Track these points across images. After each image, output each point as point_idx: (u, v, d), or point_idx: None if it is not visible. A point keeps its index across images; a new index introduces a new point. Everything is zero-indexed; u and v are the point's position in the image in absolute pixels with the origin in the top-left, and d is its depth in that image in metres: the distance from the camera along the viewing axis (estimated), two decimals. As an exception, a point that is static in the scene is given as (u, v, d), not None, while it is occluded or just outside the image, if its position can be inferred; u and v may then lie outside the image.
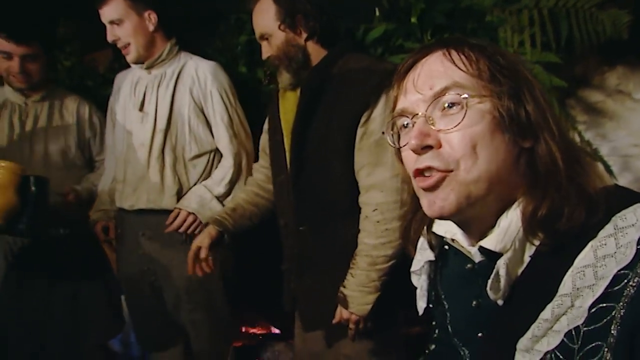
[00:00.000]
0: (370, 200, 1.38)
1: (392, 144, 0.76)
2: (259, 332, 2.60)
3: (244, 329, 2.60)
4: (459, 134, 0.67)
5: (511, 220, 0.68)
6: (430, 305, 0.88)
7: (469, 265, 0.76)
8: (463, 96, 0.67)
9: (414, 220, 0.83)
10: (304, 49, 1.46)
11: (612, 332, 0.57)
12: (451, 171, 0.67)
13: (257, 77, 2.15)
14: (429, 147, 0.68)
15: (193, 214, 1.80)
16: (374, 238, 1.37)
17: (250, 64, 2.18)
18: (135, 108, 1.88)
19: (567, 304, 0.62)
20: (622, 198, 0.64)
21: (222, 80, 1.85)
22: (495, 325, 0.71)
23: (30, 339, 1.99)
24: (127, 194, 1.89)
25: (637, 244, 0.59)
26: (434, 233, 0.81)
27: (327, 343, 1.50)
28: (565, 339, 0.62)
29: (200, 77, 1.84)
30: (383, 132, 0.78)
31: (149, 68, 1.88)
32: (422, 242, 0.84)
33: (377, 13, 1.88)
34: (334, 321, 1.42)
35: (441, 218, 0.72)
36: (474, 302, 0.75)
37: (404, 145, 0.73)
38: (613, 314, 0.58)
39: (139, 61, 1.87)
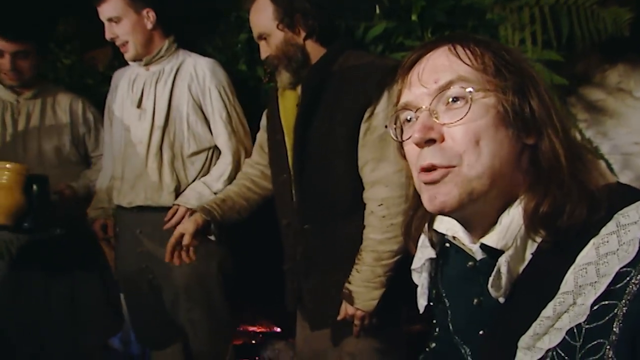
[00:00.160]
0: (376, 196, 1.38)
1: (394, 138, 0.76)
2: (259, 330, 2.60)
3: (244, 328, 2.60)
4: (463, 127, 0.67)
5: (513, 218, 0.68)
6: (431, 304, 0.88)
7: (470, 263, 0.75)
8: (468, 90, 0.67)
9: (415, 217, 0.83)
10: (303, 48, 1.46)
11: (614, 329, 0.57)
12: (454, 166, 0.67)
13: (257, 75, 2.15)
14: (432, 141, 0.68)
15: (191, 210, 1.80)
16: (380, 233, 1.37)
17: (250, 62, 2.18)
18: (133, 105, 1.88)
19: (569, 302, 0.61)
20: (625, 195, 0.64)
21: (220, 78, 1.85)
22: (496, 323, 0.71)
23: (29, 338, 1.98)
24: (125, 191, 1.89)
25: (640, 242, 0.59)
26: (435, 230, 0.80)
27: (330, 341, 1.50)
28: (567, 337, 0.62)
29: (198, 74, 1.84)
30: (386, 126, 0.77)
31: (147, 64, 1.87)
32: (423, 240, 0.84)
33: (378, 11, 1.87)
34: (338, 317, 1.42)
35: (442, 213, 0.72)
36: (475, 300, 0.75)
37: (407, 139, 0.72)
38: (615, 311, 0.58)
39: (137, 59, 1.87)
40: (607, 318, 0.58)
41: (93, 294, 2.09)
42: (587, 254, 0.61)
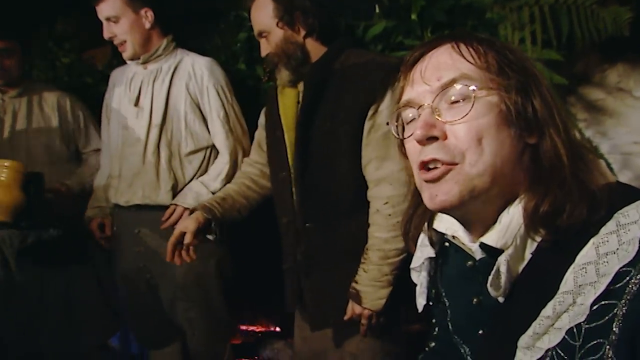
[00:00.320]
0: (381, 194, 1.38)
1: (396, 135, 0.76)
2: (258, 330, 2.60)
3: (243, 327, 2.60)
4: (466, 125, 0.66)
5: (512, 217, 0.68)
6: (430, 303, 0.88)
7: (469, 263, 0.75)
8: (471, 88, 0.67)
9: (414, 216, 0.82)
10: (303, 46, 1.46)
11: (614, 329, 0.57)
12: (456, 164, 0.67)
13: (257, 75, 2.15)
14: (434, 139, 0.68)
15: (189, 210, 1.80)
16: (386, 232, 1.37)
17: (249, 61, 2.17)
18: (130, 103, 1.88)
19: (569, 301, 0.61)
20: (625, 195, 0.64)
21: (218, 76, 1.85)
22: (496, 322, 0.71)
23: (25, 339, 1.98)
24: (122, 190, 1.89)
25: (640, 241, 0.59)
26: (434, 229, 0.80)
27: (330, 341, 1.49)
28: (566, 337, 0.62)
29: (196, 73, 1.84)
30: (387, 123, 0.77)
31: (144, 63, 1.87)
32: (423, 239, 0.84)
33: (377, 10, 1.87)
34: (345, 317, 1.42)
35: (443, 211, 0.72)
36: (475, 300, 0.75)
37: (408, 136, 0.72)
38: (615, 311, 0.58)
39: (135, 58, 1.87)
40: (606, 318, 0.58)
41: (89, 293, 2.09)
42: (586, 253, 0.61)
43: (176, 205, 1.81)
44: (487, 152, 0.66)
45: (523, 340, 0.65)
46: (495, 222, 0.70)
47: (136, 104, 1.87)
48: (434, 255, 0.83)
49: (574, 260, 0.62)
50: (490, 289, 0.69)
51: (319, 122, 1.42)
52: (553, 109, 0.69)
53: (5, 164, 1.78)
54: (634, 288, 0.57)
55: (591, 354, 0.59)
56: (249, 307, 2.52)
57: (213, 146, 1.88)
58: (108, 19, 1.81)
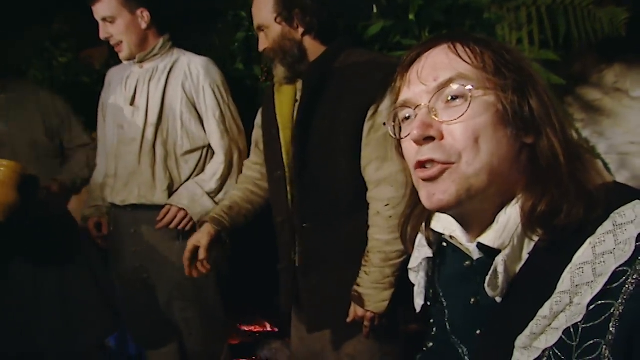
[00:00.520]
0: (381, 196, 1.37)
1: (393, 136, 0.76)
2: (256, 329, 2.60)
3: (240, 327, 2.59)
4: (462, 125, 0.66)
5: (510, 217, 0.68)
6: (428, 303, 0.88)
7: (467, 263, 0.75)
8: (467, 88, 0.67)
9: (412, 216, 0.82)
10: (300, 44, 1.45)
11: (611, 329, 0.57)
12: (452, 164, 0.67)
13: (254, 74, 2.15)
14: (430, 139, 0.68)
15: (184, 210, 1.80)
16: (387, 234, 1.36)
17: (247, 61, 2.17)
18: (126, 102, 1.87)
19: (566, 301, 0.61)
20: (621, 195, 0.64)
21: (214, 76, 1.84)
22: (493, 322, 0.71)
23: (22, 339, 1.97)
24: (118, 189, 1.88)
25: (636, 241, 0.59)
26: (432, 230, 0.80)
27: (328, 342, 1.49)
28: (563, 336, 0.62)
29: (192, 72, 1.83)
30: (384, 124, 0.77)
31: (140, 62, 1.87)
32: (420, 239, 0.84)
33: (375, 10, 1.87)
34: (348, 320, 1.41)
35: (440, 211, 0.72)
36: (472, 300, 0.75)
37: (405, 136, 0.72)
38: (612, 311, 0.58)
39: (131, 58, 1.86)
40: (603, 318, 0.58)
41: (86, 292, 2.08)
42: (583, 253, 0.61)
43: (171, 205, 1.81)
44: (483, 151, 0.66)
45: (520, 340, 0.66)
46: (492, 222, 0.70)
47: (132, 103, 1.86)
48: (431, 256, 0.83)
49: (571, 260, 0.62)
50: (487, 289, 0.69)
51: (317, 121, 1.42)
52: (550, 109, 0.69)
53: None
54: (630, 288, 0.57)
55: (588, 353, 0.59)
56: (246, 307, 2.52)
57: (209, 146, 1.87)
58: (104, 20, 1.80)
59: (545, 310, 0.63)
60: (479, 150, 0.66)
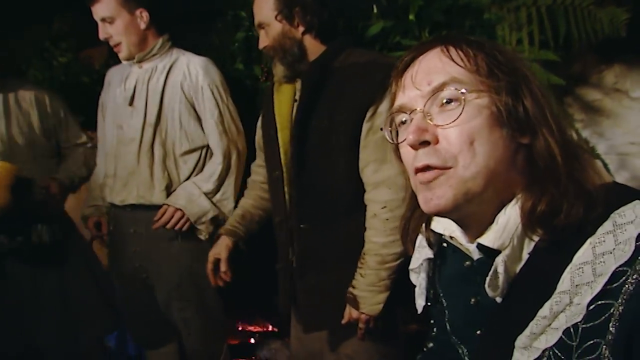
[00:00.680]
0: (379, 198, 1.37)
1: (390, 140, 0.76)
2: (255, 330, 2.60)
3: (240, 327, 2.59)
4: (457, 129, 0.67)
5: (509, 217, 0.68)
6: (429, 304, 0.88)
7: (467, 263, 0.75)
8: (461, 91, 0.67)
9: (412, 218, 0.83)
10: (300, 43, 1.45)
11: (611, 329, 0.57)
12: (449, 168, 0.67)
13: (254, 74, 2.15)
14: (426, 143, 0.68)
15: (180, 210, 1.80)
16: (383, 236, 1.36)
17: (247, 61, 2.17)
18: (125, 102, 1.87)
19: (566, 301, 0.62)
20: (621, 195, 0.64)
21: (213, 76, 1.84)
22: (493, 322, 0.71)
23: (23, 339, 1.97)
24: (117, 189, 1.88)
25: (636, 241, 0.59)
26: (432, 230, 0.80)
27: (327, 343, 1.49)
28: (563, 337, 0.62)
29: (191, 72, 1.83)
30: (381, 129, 0.77)
31: (139, 62, 1.86)
32: (421, 240, 0.84)
33: (375, 10, 1.87)
34: (343, 321, 1.41)
35: (438, 215, 0.72)
36: (473, 300, 0.75)
37: (402, 141, 0.73)
38: (611, 311, 0.58)
39: (130, 58, 1.86)
40: (603, 318, 0.58)
41: (85, 292, 2.08)
42: (583, 253, 0.62)
43: (168, 205, 1.81)
44: (479, 154, 0.66)
45: (520, 341, 0.66)
46: (492, 222, 0.70)
47: (131, 103, 1.86)
48: (432, 256, 0.83)
49: (571, 260, 0.62)
50: (487, 289, 0.69)
51: (316, 121, 1.41)
52: (545, 109, 0.69)
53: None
54: (630, 288, 0.57)
55: (588, 353, 0.59)
56: (246, 307, 2.52)
57: (209, 146, 1.87)
58: (103, 20, 1.80)
59: (545, 310, 0.63)
60: (475, 153, 0.66)
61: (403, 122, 0.73)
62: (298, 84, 1.47)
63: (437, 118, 0.69)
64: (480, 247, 0.71)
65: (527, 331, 0.65)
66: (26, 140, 2.01)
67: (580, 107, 2.02)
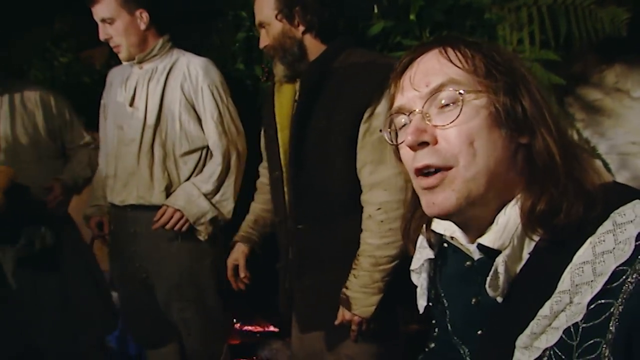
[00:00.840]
0: (374, 199, 1.36)
1: (389, 142, 0.77)
2: (256, 330, 2.60)
3: (241, 327, 2.59)
4: (456, 129, 0.67)
5: (509, 217, 0.68)
6: (430, 304, 0.88)
7: (468, 263, 0.76)
8: (459, 92, 0.67)
9: (413, 219, 0.83)
10: (301, 42, 1.45)
11: (611, 328, 0.58)
12: (450, 168, 0.67)
13: (255, 74, 2.15)
14: (425, 144, 0.69)
15: (180, 210, 1.80)
16: (378, 238, 1.35)
17: (248, 61, 2.17)
18: (126, 103, 1.87)
19: (566, 301, 0.62)
20: (621, 194, 0.64)
21: (213, 77, 1.84)
22: (494, 322, 0.71)
23: (23, 339, 1.97)
24: (118, 190, 1.89)
25: (636, 240, 0.59)
26: (433, 231, 0.80)
27: (327, 343, 1.48)
28: (564, 336, 0.62)
29: (191, 73, 1.83)
30: (381, 130, 0.78)
31: (140, 63, 1.87)
32: (422, 241, 0.84)
33: (376, 10, 1.87)
34: (336, 322, 1.41)
35: (440, 218, 0.73)
36: (474, 300, 0.75)
37: (401, 143, 0.73)
38: (612, 310, 0.58)
39: (130, 59, 1.86)
40: (603, 317, 0.58)
41: (86, 292, 2.08)
42: (583, 253, 0.62)
43: (167, 206, 1.81)
44: (479, 153, 0.66)
45: (521, 340, 0.66)
46: (492, 223, 0.70)
47: (131, 104, 1.86)
48: (433, 257, 0.83)
49: (571, 260, 0.62)
50: (488, 289, 0.69)
51: (314, 121, 1.41)
52: (543, 109, 0.69)
53: None
54: (630, 287, 0.58)
55: (588, 353, 0.59)
56: (247, 307, 2.52)
57: (209, 147, 1.87)
58: (103, 21, 1.80)
59: (545, 310, 0.63)
60: (475, 153, 0.66)
61: (402, 124, 0.74)
62: (298, 85, 1.47)
63: (435, 119, 0.69)
64: (480, 247, 0.71)
65: (527, 331, 0.65)
66: (31, 141, 2.02)
67: (581, 106, 2.01)
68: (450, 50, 0.71)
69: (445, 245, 0.81)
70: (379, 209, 1.35)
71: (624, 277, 0.58)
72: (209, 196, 1.83)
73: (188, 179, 1.85)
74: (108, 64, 2.41)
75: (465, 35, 1.11)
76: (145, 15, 1.82)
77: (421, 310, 0.88)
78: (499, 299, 0.70)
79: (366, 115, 1.35)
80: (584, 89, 2.02)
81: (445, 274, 0.83)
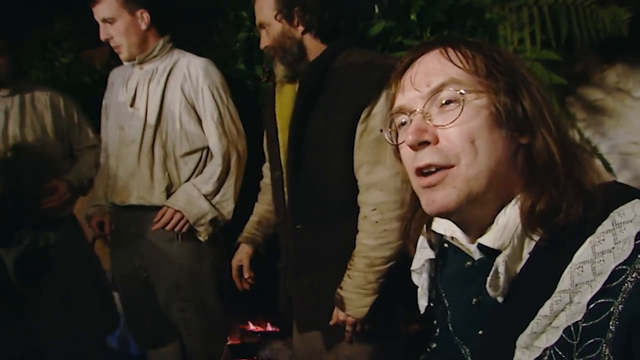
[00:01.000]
0: (370, 200, 1.36)
1: (390, 142, 0.77)
2: (257, 330, 2.60)
3: (242, 327, 2.59)
4: (457, 129, 0.67)
5: (509, 217, 0.68)
6: (431, 304, 0.88)
7: (468, 263, 0.76)
8: (460, 92, 0.68)
9: (413, 219, 0.83)
10: (300, 42, 1.44)
11: (611, 327, 0.58)
12: (452, 166, 0.67)
13: (256, 75, 2.15)
14: (426, 143, 0.69)
15: (180, 211, 1.80)
16: (373, 239, 1.35)
17: (248, 61, 2.17)
18: (126, 104, 1.88)
19: (566, 300, 0.62)
20: (620, 194, 0.64)
21: (214, 77, 1.84)
22: (494, 322, 0.71)
23: (24, 339, 1.97)
24: (118, 190, 1.89)
25: (635, 240, 0.59)
26: (433, 231, 0.81)
27: (326, 343, 1.48)
28: (564, 335, 0.62)
29: (192, 74, 1.83)
30: (381, 130, 0.78)
31: (140, 63, 1.87)
32: (422, 241, 0.84)
33: (377, 10, 1.87)
34: (330, 322, 1.41)
35: (440, 216, 0.73)
36: (474, 300, 0.75)
37: (402, 142, 0.73)
38: (611, 309, 0.58)
39: (131, 59, 1.86)
40: (603, 316, 0.58)
41: (87, 292, 2.09)
42: (583, 252, 0.62)
43: (167, 206, 1.81)
44: (481, 152, 0.67)
45: (521, 340, 0.66)
46: (492, 223, 0.70)
47: (132, 104, 1.87)
48: (433, 257, 0.83)
49: (571, 260, 0.62)
50: (489, 289, 0.69)
51: (313, 122, 1.40)
52: (543, 109, 0.69)
53: None
54: (629, 286, 0.58)
55: (588, 352, 0.59)
56: (248, 307, 2.52)
57: (209, 147, 1.87)
58: (104, 21, 1.81)
59: (545, 310, 0.63)
60: (477, 151, 0.67)
61: (403, 123, 0.74)
62: (297, 85, 1.47)
63: (436, 119, 0.69)
64: (480, 247, 0.71)
65: (528, 330, 0.65)
66: (38, 141, 2.04)
67: (582, 106, 2.01)
68: (451, 51, 0.71)
69: (446, 245, 0.81)
70: (374, 209, 1.35)
71: (623, 276, 0.58)
72: (209, 197, 1.83)
73: (188, 179, 1.85)
74: (109, 64, 2.42)
75: (466, 35, 1.11)
76: (146, 15, 1.82)
77: (422, 311, 0.88)
78: (500, 299, 0.70)
79: (363, 115, 1.35)
80: (585, 89, 2.02)
81: (446, 274, 0.83)
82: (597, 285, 0.60)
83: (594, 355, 0.58)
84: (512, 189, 0.69)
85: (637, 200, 0.62)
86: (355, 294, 1.36)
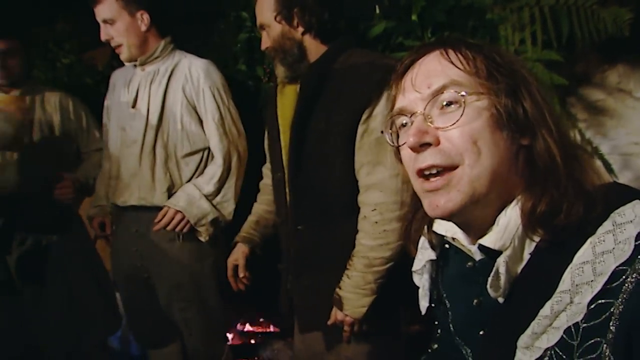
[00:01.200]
0: (369, 200, 1.36)
1: (391, 143, 0.77)
2: (258, 330, 2.60)
3: (243, 327, 2.60)
4: (458, 131, 0.67)
5: (510, 218, 0.68)
6: (432, 305, 0.88)
7: (469, 264, 0.76)
8: (461, 94, 0.68)
9: (414, 220, 0.83)
10: (300, 43, 1.44)
11: (611, 328, 0.58)
12: (455, 167, 0.67)
13: (257, 75, 2.15)
14: (427, 145, 0.69)
15: (180, 212, 1.80)
16: (372, 239, 1.35)
17: (249, 62, 2.17)
18: (128, 105, 1.88)
19: (566, 301, 0.62)
20: (621, 194, 0.64)
21: (215, 79, 1.84)
22: (495, 323, 0.71)
23: (26, 339, 1.98)
24: (120, 190, 1.89)
25: (635, 240, 0.59)
26: (434, 232, 0.81)
27: (327, 344, 1.48)
28: (564, 336, 0.62)
29: (193, 75, 1.84)
30: (382, 131, 0.78)
31: (142, 65, 1.88)
32: (423, 242, 0.84)
33: (377, 11, 1.87)
34: (329, 322, 1.41)
35: (443, 218, 0.73)
36: (475, 301, 0.75)
37: (402, 144, 0.73)
38: (612, 310, 0.58)
39: (131, 60, 1.87)
40: (603, 317, 0.59)
41: (88, 292, 2.09)
42: (583, 253, 0.62)
43: (168, 207, 1.82)
44: (484, 153, 0.67)
45: (522, 340, 0.66)
46: (493, 224, 0.70)
47: (133, 105, 1.87)
48: (434, 258, 0.83)
49: (572, 260, 0.63)
50: (490, 289, 0.69)
51: (314, 123, 1.41)
52: (544, 110, 0.69)
53: None
54: (630, 286, 0.58)
55: (589, 352, 0.59)
56: (248, 308, 2.52)
57: (210, 148, 1.87)
58: (105, 21, 1.82)
59: (546, 310, 0.63)
60: (480, 152, 0.67)
61: (403, 125, 0.74)
62: (299, 86, 1.48)
63: (437, 120, 0.69)
64: (481, 248, 0.71)
65: (528, 331, 0.65)
66: (47, 143, 2.04)
67: (583, 107, 2.01)
68: (451, 52, 0.71)
69: (447, 246, 0.81)
70: (374, 210, 1.35)
71: (623, 276, 0.58)
72: (210, 197, 1.83)
73: (189, 180, 1.86)
74: (110, 65, 2.42)
75: (467, 36, 1.11)
76: (146, 16, 1.83)
77: (423, 312, 0.88)
78: (500, 300, 0.70)
79: (364, 116, 1.35)
80: (586, 90, 2.01)
81: (447, 275, 0.83)
82: (598, 286, 0.60)
83: (594, 355, 0.58)
84: (513, 189, 0.69)
85: (637, 200, 0.62)
86: (354, 294, 1.36)
